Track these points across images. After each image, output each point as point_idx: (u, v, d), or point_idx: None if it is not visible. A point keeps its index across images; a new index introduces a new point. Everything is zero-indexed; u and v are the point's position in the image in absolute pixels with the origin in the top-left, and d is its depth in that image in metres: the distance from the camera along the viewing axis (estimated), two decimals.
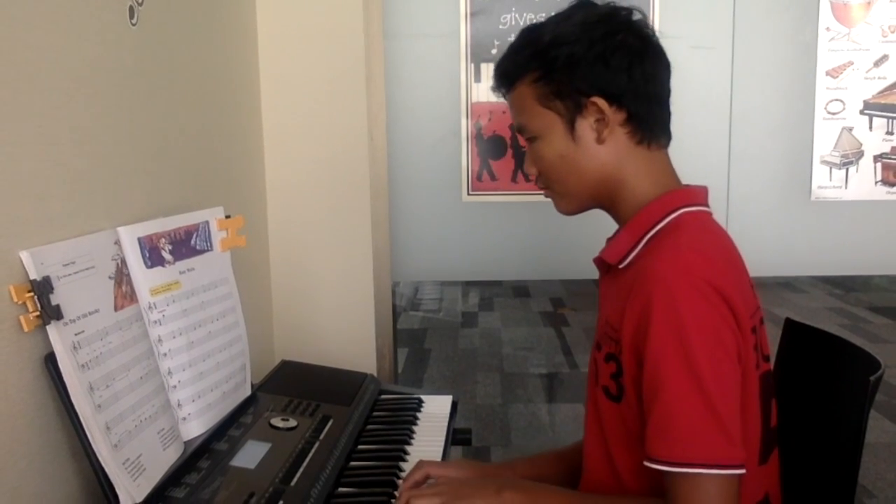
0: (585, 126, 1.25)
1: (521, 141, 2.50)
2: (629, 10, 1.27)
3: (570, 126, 1.25)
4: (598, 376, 1.28)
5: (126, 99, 1.38)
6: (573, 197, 1.32)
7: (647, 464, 1.11)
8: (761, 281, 1.28)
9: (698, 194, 1.29)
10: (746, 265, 1.27)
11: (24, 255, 1.05)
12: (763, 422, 1.24)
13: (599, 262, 1.34)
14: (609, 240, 1.34)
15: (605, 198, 1.30)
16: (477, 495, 1.21)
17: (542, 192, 1.37)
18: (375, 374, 2.04)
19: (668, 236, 1.20)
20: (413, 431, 1.62)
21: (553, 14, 1.29)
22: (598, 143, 1.25)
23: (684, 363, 1.08)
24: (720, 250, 1.21)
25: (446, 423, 1.68)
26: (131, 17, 1.40)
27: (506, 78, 1.32)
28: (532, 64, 1.26)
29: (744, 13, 2.52)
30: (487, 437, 3.86)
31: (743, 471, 1.08)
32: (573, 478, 1.41)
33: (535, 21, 1.32)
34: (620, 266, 1.26)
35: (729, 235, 1.27)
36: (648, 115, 1.26)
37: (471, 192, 2.58)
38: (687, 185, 1.31)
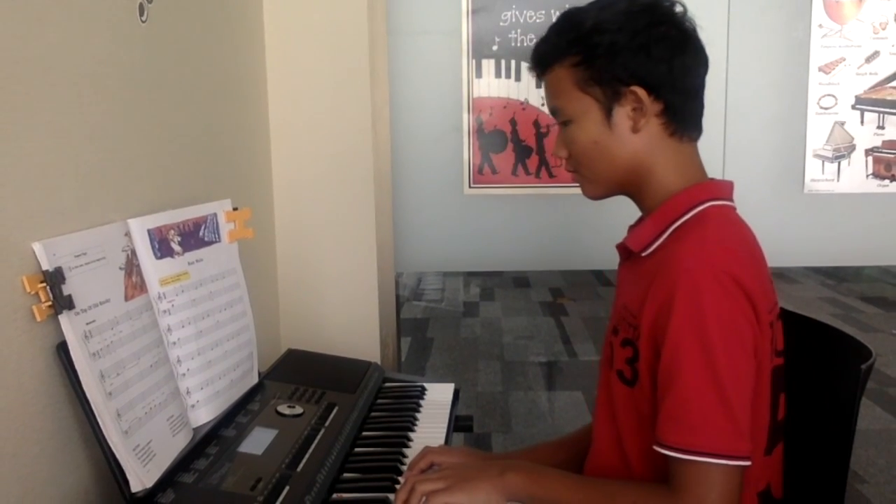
0: (622, 114, 1.25)
1: (524, 134, 2.53)
2: (672, 2, 1.26)
3: (607, 113, 1.25)
4: (613, 360, 1.29)
5: (136, 94, 1.39)
6: (601, 182, 1.32)
7: (655, 448, 1.13)
8: None
9: (724, 188, 1.29)
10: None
11: (37, 247, 1.06)
12: (771, 414, 1.25)
13: (622, 248, 1.34)
14: (632, 227, 1.35)
15: (633, 185, 1.30)
16: (481, 477, 1.22)
17: (571, 178, 1.37)
18: (379, 363, 2.04)
19: (694, 228, 1.21)
20: (416, 418, 1.63)
21: (593, 0, 1.28)
22: (632, 132, 1.25)
23: (702, 354, 1.10)
24: (743, 245, 1.23)
25: (448, 411, 1.69)
26: (141, 14, 1.41)
27: (544, 59, 1.31)
28: (573, 48, 1.25)
29: (738, 10, 2.53)
30: (488, 424, 3.88)
31: (748, 463, 1.10)
32: (573, 466, 1.43)
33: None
34: (643, 254, 1.27)
35: (751, 230, 1.28)
36: (683, 108, 1.26)
37: (472, 186, 2.59)
38: (712, 179, 1.31)
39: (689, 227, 1.22)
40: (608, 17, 1.23)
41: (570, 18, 1.29)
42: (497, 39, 2.49)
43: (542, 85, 1.35)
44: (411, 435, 1.55)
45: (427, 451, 1.35)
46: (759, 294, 1.15)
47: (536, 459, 1.47)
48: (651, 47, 1.22)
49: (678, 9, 1.26)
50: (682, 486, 1.11)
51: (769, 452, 1.27)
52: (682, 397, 1.11)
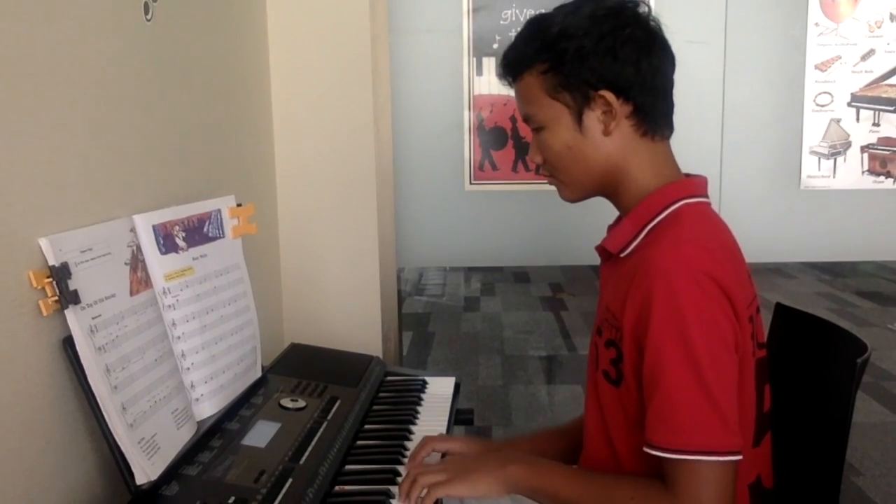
0: (593, 118, 1.25)
1: (524, 131, 2.54)
2: (635, 3, 1.26)
3: (578, 118, 1.25)
4: (599, 361, 1.30)
5: (141, 92, 1.40)
6: (578, 185, 1.32)
7: (646, 450, 1.13)
8: (752, 267, 1.30)
9: (698, 185, 1.29)
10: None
11: (44, 242, 1.08)
12: (757, 406, 1.26)
13: (601, 250, 1.35)
14: (610, 228, 1.35)
15: (609, 187, 1.31)
16: (482, 469, 1.23)
17: (545, 179, 1.36)
18: (381, 357, 2.05)
19: (669, 228, 1.21)
20: (417, 412, 1.63)
21: (559, 5, 1.28)
22: (604, 135, 1.25)
23: (684, 354, 1.10)
24: (719, 242, 1.23)
25: (449, 404, 1.69)
26: (146, 12, 1.42)
27: (513, 68, 1.31)
28: (541, 55, 1.25)
29: (736, 9, 2.54)
30: (489, 418, 3.87)
31: (740, 457, 1.10)
32: (573, 454, 1.44)
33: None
34: (622, 255, 1.27)
35: (727, 225, 1.28)
36: (654, 108, 1.27)
37: (473, 182, 2.60)
38: (687, 175, 1.32)
39: (664, 227, 1.23)
40: (574, 23, 1.23)
41: (536, 25, 1.29)
42: (497, 37, 2.50)
43: (514, 92, 1.35)
44: (413, 428, 1.55)
45: (427, 440, 1.37)
46: (736, 290, 1.15)
47: (538, 447, 1.49)
48: (618, 50, 1.22)
49: (642, 9, 1.27)
50: (676, 485, 1.11)
51: (757, 444, 1.28)
52: (668, 398, 1.12)
